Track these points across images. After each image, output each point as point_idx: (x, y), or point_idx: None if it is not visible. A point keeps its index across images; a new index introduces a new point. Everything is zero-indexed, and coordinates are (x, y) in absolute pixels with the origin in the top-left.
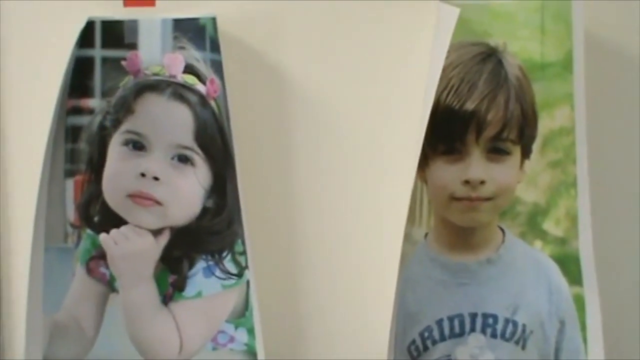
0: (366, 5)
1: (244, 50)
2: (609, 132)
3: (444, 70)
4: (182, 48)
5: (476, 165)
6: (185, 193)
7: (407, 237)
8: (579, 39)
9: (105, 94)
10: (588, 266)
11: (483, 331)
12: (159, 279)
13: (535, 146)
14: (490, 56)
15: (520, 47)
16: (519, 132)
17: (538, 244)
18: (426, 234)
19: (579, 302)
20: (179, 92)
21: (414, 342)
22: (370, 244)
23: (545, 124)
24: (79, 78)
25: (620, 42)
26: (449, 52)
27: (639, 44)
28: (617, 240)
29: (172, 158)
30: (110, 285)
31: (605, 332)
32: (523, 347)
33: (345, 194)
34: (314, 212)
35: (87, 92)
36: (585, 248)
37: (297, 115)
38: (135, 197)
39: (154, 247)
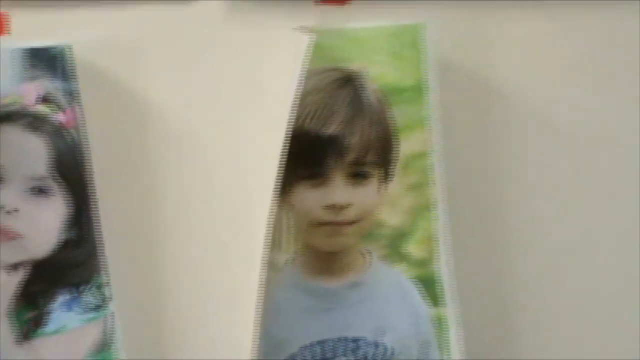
0: (224, 31)
1: (102, 79)
2: (465, 153)
3: (304, 96)
4: (37, 77)
5: (338, 189)
6: (43, 225)
7: (270, 264)
8: (431, 64)
9: None
10: (448, 287)
11: (350, 355)
12: (17, 315)
13: (396, 169)
14: (349, 81)
15: (378, 72)
16: (379, 155)
17: (400, 266)
18: (290, 260)
19: (441, 324)
20: (34, 123)
21: None
22: (237, 271)
23: (404, 148)
24: None
25: (472, 65)
26: (308, 77)
27: (489, 67)
28: (476, 260)
29: (28, 190)
30: None
31: (468, 352)
32: None
33: (209, 220)
34: (177, 240)
35: None
36: (445, 269)
37: (159, 143)
38: None
39: (9, 283)
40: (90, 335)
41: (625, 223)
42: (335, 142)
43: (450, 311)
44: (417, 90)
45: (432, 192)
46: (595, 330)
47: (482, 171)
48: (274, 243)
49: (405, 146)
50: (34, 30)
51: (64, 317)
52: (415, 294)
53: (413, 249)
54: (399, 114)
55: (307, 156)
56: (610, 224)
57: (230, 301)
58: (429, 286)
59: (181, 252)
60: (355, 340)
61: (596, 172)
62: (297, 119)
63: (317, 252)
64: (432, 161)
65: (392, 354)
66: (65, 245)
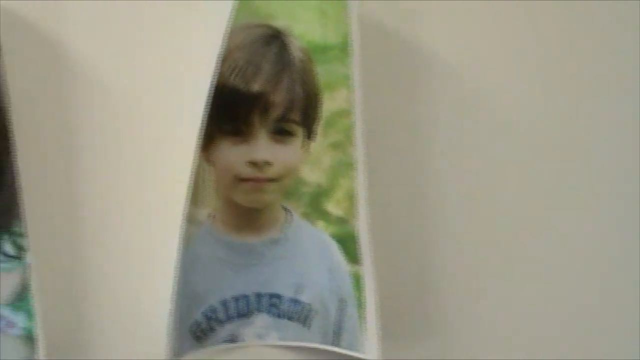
0: None
1: (23, 27)
2: (386, 113)
3: (229, 51)
4: None
5: (261, 146)
6: None
7: (191, 218)
8: (354, 22)
9: None
10: (365, 245)
11: (269, 311)
12: None
13: (319, 128)
14: (275, 38)
15: (303, 29)
16: (303, 113)
17: (321, 224)
18: (210, 215)
19: (357, 280)
20: None
21: (197, 322)
22: (157, 224)
23: (327, 106)
24: None
25: (396, 25)
26: (234, 33)
27: (414, 27)
28: (392, 220)
29: None
30: None
31: (383, 310)
32: (308, 327)
33: (129, 174)
34: (96, 192)
35: None
36: (363, 228)
37: (78, 93)
38: None
39: None
40: (7, 283)
41: (537, 188)
42: (259, 98)
43: (367, 269)
44: (341, 49)
45: (352, 151)
46: (500, 284)
47: (403, 131)
48: (196, 198)
49: (329, 104)
50: None
51: None
52: (335, 252)
53: (333, 207)
54: (323, 72)
55: (231, 112)
56: (526, 188)
57: (150, 255)
58: (348, 244)
59: (100, 205)
60: (274, 296)
61: (512, 135)
62: (222, 74)
63: (238, 208)
64: (354, 120)
65: (310, 310)
66: None
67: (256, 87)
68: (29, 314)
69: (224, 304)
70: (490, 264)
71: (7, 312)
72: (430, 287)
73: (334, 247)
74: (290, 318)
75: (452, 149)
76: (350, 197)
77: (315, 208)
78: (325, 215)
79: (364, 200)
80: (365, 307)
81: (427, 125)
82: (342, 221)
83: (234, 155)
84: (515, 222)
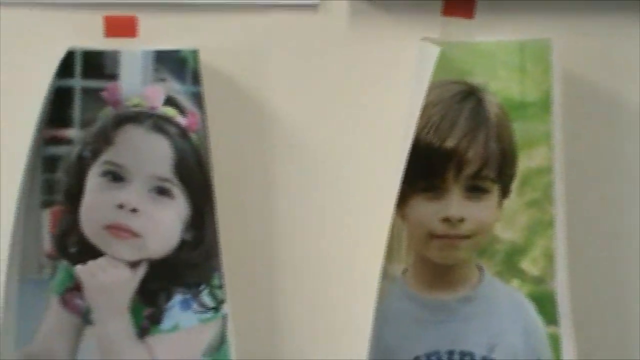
0: (348, 41)
1: (226, 84)
2: (587, 171)
3: (424, 108)
4: (163, 80)
5: (455, 203)
6: (163, 225)
7: (385, 274)
8: (557, 79)
9: (84, 125)
10: (564, 306)
11: None
12: (134, 311)
13: (514, 185)
14: (471, 95)
15: (501, 86)
16: (498, 170)
17: (515, 282)
18: (404, 271)
19: (555, 342)
20: (159, 124)
21: None
22: (349, 280)
23: (523, 163)
24: (57, 108)
25: (597, 81)
26: (429, 90)
27: (615, 84)
28: (593, 280)
29: (151, 190)
30: (85, 317)
31: None
32: None
33: (325, 229)
34: (293, 247)
35: (65, 122)
36: (562, 288)
37: (278, 150)
38: (113, 228)
39: (131, 280)
40: (204, 335)
41: None
42: (454, 155)
43: (565, 330)
44: (541, 106)
45: (551, 210)
46: None
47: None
48: (391, 254)
49: (526, 162)
50: (162, 33)
51: (180, 316)
52: (530, 311)
53: (529, 266)
54: (520, 129)
55: (426, 168)
56: None
57: (347, 309)
58: (544, 304)
59: (298, 258)
60: (466, 354)
61: None
62: (417, 130)
63: (431, 264)
64: (554, 178)
65: None
66: (184, 246)
67: (451, 143)
68: None
69: None
70: None
71: None
72: (634, 348)
73: (530, 307)
74: None
75: None
76: (548, 256)
77: (510, 266)
78: (520, 274)
79: (563, 259)
80: None
81: (629, 182)
82: (538, 280)
83: (428, 211)
84: None
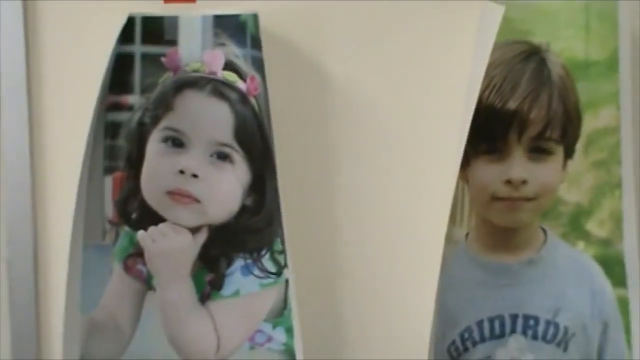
0: (409, 3)
1: (285, 48)
2: None
3: (486, 69)
4: (223, 45)
5: (518, 164)
6: (224, 191)
7: (448, 238)
8: (625, 38)
9: (144, 91)
10: (633, 268)
11: (524, 333)
12: (196, 277)
13: (579, 146)
14: (533, 55)
15: (564, 46)
16: (562, 131)
17: (581, 245)
18: (467, 234)
19: (623, 305)
20: (219, 89)
21: (453, 343)
22: (412, 244)
23: (589, 124)
24: (118, 74)
25: None
26: (492, 51)
27: None
28: None
29: (211, 155)
30: (147, 283)
31: None
32: (565, 350)
33: (387, 193)
34: (354, 212)
35: (126, 88)
36: (630, 250)
37: (338, 113)
38: (174, 194)
39: (192, 245)
40: (266, 301)
41: None
42: (517, 116)
43: (634, 293)
44: (608, 65)
45: (618, 171)
46: None
47: None
48: (454, 217)
49: (592, 122)
50: None
51: (241, 281)
52: (597, 274)
53: (595, 227)
54: (585, 89)
55: (488, 130)
56: None
57: (404, 274)
58: (612, 266)
59: (359, 223)
60: (530, 317)
61: None
62: (480, 92)
63: (493, 227)
64: (621, 138)
65: (565, 333)
66: (245, 212)
67: (513, 104)
68: (288, 330)
69: (479, 324)
70: None
71: (266, 328)
72: None
73: (596, 270)
74: (546, 341)
75: None
76: (616, 218)
77: (575, 228)
78: (586, 236)
79: (631, 221)
80: (632, 333)
81: None
82: (605, 242)
83: (490, 173)
84: None
